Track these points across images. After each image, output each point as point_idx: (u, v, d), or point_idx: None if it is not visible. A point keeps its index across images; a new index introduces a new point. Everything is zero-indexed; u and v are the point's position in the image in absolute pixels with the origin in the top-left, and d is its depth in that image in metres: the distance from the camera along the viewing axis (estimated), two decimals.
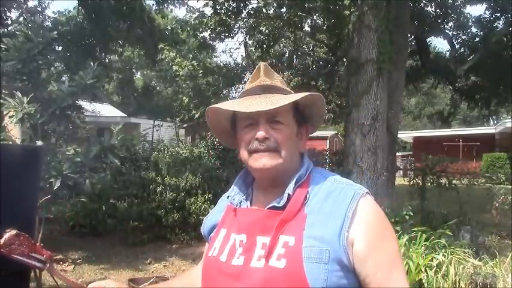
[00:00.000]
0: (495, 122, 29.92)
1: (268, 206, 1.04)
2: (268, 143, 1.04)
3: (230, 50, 37.61)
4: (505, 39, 10.98)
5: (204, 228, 1.23)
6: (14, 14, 10.52)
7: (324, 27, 12.46)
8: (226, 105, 1.07)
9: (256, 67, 1.13)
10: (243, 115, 1.07)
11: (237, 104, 1.07)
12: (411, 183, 7.55)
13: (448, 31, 12.16)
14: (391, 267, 0.99)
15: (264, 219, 1.03)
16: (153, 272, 5.38)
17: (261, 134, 1.04)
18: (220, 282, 1.02)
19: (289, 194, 1.03)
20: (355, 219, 0.98)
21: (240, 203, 1.11)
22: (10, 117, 4.66)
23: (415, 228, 4.64)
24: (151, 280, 4.43)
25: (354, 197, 1.01)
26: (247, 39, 14.14)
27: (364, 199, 1.02)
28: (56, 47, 7.44)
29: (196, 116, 12.64)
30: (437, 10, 11.81)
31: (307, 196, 1.04)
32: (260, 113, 1.03)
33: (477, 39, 12.19)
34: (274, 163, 1.04)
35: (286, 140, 1.06)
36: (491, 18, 11.72)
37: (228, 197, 1.14)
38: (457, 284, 3.92)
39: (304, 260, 0.94)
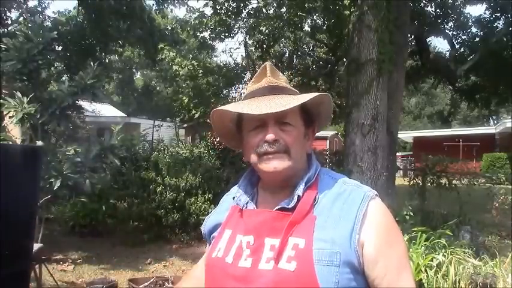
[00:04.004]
0: (495, 122, 29.94)
1: (277, 207, 1.02)
2: (278, 145, 1.03)
3: (230, 50, 37.46)
4: (505, 39, 10.97)
5: (205, 228, 1.21)
6: (14, 14, 10.55)
7: (324, 27, 12.44)
8: (234, 108, 1.06)
9: (262, 66, 1.10)
10: (250, 117, 1.04)
11: (245, 105, 1.04)
12: (411, 183, 7.55)
13: (448, 31, 12.16)
14: (400, 269, 1.00)
15: (272, 221, 1.01)
16: (153, 272, 5.38)
17: (270, 136, 1.02)
18: (226, 284, 1.00)
19: (298, 196, 1.02)
20: (366, 222, 0.98)
21: (246, 204, 1.09)
22: (10, 117, 4.67)
23: (415, 228, 4.63)
24: (151, 280, 4.43)
25: (363, 199, 1.01)
26: (247, 39, 14.12)
27: (374, 201, 1.02)
28: (56, 47, 7.45)
29: (196, 116, 12.60)
30: (437, 10, 11.80)
31: (317, 198, 1.03)
32: (269, 115, 1.01)
33: (477, 39, 12.18)
34: (285, 166, 1.03)
35: (295, 141, 1.05)
36: (491, 18, 11.71)
37: (233, 198, 1.12)
38: (457, 284, 3.92)
39: (315, 263, 0.93)
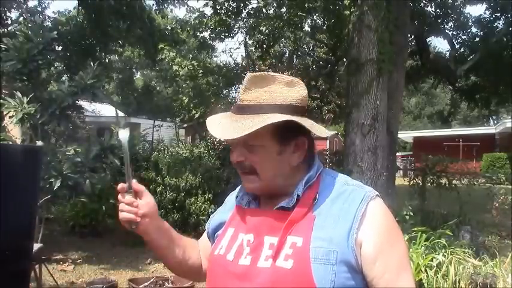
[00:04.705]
0: (495, 122, 29.94)
1: (276, 207, 1.04)
2: (244, 165, 1.05)
3: (230, 50, 37.49)
4: (505, 39, 10.97)
5: (209, 226, 1.23)
6: (14, 14, 10.55)
7: (324, 27, 12.44)
8: (209, 124, 1.07)
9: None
10: None
11: (216, 125, 1.06)
12: (411, 183, 7.55)
13: (448, 31, 12.15)
14: (399, 269, 0.99)
15: (272, 220, 1.02)
16: (153, 272, 5.38)
17: (233, 159, 1.06)
18: (226, 281, 1.02)
19: (298, 195, 1.02)
20: (364, 221, 0.98)
21: (248, 203, 1.11)
22: (10, 117, 4.67)
23: (415, 228, 4.63)
24: (151, 280, 4.43)
25: (363, 199, 1.01)
26: (247, 39, 14.12)
27: (374, 201, 1.02)
28: (56, 47, 7.44)
29: (196, 116, 12.61)
30: (437, 10, 11.80)
31: (316, 197, 1.03)
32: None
33: (477, 39, 12.18)
34: (253, 186, 1.06)
35: (263, 162, 1.03)
36: (491, 18, 11.70)
37: (236, 197, 1.14)
38: (457, 284, 3.92)
39: (311, 261, 0.94)
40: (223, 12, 11.01)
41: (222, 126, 1.04)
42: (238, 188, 1.17)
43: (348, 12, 7.75)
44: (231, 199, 1.21)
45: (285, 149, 1.05)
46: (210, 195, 6.92)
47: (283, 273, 0.94)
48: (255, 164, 1.03)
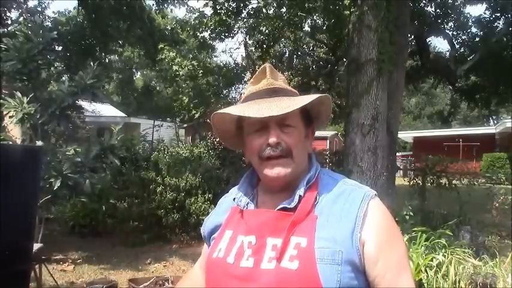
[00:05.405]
0: (495, 122, 29.94)
1: (278, 207, 1.03)
2: (280, 148, 1.03)
3: (230, 50, 37.60)
4: (505, 39, 10.97)
5: (204, 229, 1.21)
6: (14, 14, 10.55)
7: (324, 27, 12.45)
8: (235, 111, 1.05)
9: (261, 68, 1.10)
10: (251, 120, 1.05)
11: (246, 108, 1.04)
12: (411, 183, 7.55)
13: (448, 31, 12.15)
14: (399, 268, 1.00)
15: (274, 221, 1.02)
16: (153, 272, 5.38)
17: (273, 140, 1.03)
18: (227, 284, 1.01)
19: (300, 196, 1.02)
20: (367, 221, 0.99)
21: (246, 205, 1.10)
22: (10, 117, 4.67)
23: (415, 228, 4.63)
24: (151, 280, 4.43)
25: (364, 198, 1.02)
26: (247, 39, 14.13)
27: (374, 201, 1.03)
28: (56, 47, 7.44)
29: (196, 116, 12.62)
30: (437, 10, 11.80)
31: (317, 198, 1.04)
32: (270, 118, 1.01)
33: (477, 39, 12.18)
34: (289, 170, 1.04)
35: (297, 143, 1.05)
36: (491, 18, 11.71)
37: (234, 199, 1.12)
38: (457, 284, 3.92)
39: (317, 261, 0.94)
40: (223, 12, 11.01)
41: (257, 107, 1.02)
42: (231, 190, 1.17)
43: (348, 12, 7.76)
44: (225, 201, 1.20)
45: (307, 133, 1.12)
46: (210, 195, 6.92)
47: (289, 274, 0.94)
48: (291, 145, 1.04)
